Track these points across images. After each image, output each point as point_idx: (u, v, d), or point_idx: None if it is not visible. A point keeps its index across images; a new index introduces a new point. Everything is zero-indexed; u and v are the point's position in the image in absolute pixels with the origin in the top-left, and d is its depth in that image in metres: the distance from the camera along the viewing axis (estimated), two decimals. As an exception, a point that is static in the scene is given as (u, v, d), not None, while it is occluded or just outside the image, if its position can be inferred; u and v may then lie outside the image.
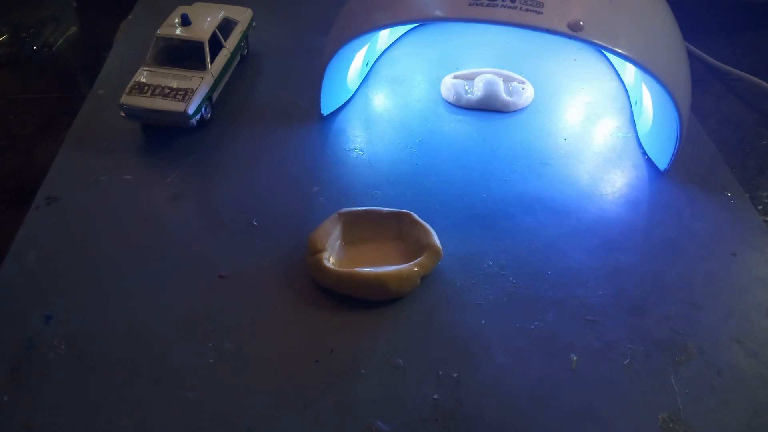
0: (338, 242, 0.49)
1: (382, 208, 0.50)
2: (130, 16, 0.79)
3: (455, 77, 0.68)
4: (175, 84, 0.59)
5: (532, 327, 0.45)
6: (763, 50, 0.78)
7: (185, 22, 0.62)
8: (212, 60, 0.61)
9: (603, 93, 0.68)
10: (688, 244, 0.52)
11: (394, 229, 0.49)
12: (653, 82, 0.51)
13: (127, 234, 0.51)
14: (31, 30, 0.78)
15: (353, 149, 0.60)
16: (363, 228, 0.49)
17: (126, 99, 0.58)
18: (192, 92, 0.58)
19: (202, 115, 0.60)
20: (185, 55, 0.61)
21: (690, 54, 0.67)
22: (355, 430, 0.39)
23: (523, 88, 0.66)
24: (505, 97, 0.64)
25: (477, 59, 0.72)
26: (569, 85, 0.69)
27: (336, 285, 0.46)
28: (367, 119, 0.64)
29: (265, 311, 0.46)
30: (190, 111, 0.58)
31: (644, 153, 0.61)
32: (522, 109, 0.65)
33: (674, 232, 0.53)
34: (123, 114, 0.59)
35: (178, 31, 0.61)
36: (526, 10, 0.48)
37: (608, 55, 0.73)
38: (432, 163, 0.59)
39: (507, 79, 0.67)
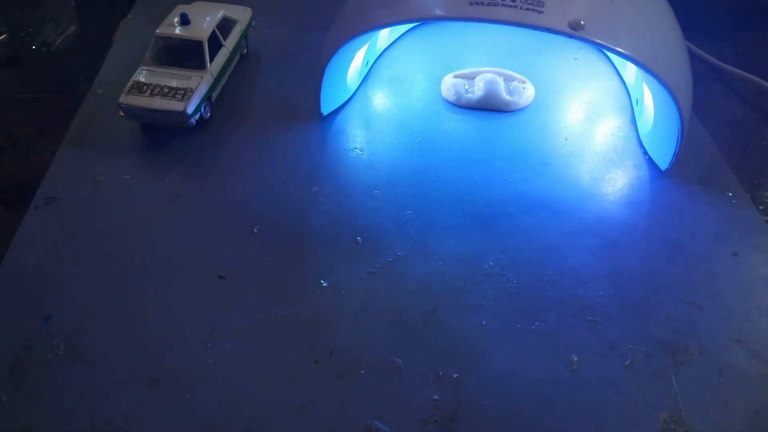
0: None
1: None
2: (129, 16, 0.79)
3: (456, 76, 0.67)
4: (174, 83, 0.59)
5: (533, 327, 0.45)
6: (764, 50, 0.78)
7: (184, 21, 0.62)
8: (211, 59, 0.61)
9: (604, 92, 0.68)
10: (689, 244, 0.52)
11: None
12: (654, 82, 0.51)
13: (126, 234, 0.51)
14: (30, 29, 0.78)
15: (353, 149, 0.60)
16: None
17: (125, 98, 0.58)
18: (191, 92, 0.58)
19: (201, 115, 0.60)
20: (184, 54, 0.61)
21: (691, 53, 0.67)
22: (354, 430, 0.39)
23: (523, 88, 0.66)
24: (505, 96, 0.64)
25: (477, 58, 0.72)
26: (570, 84, 0.69)
27: None
28: (367, 119, 0.64)
29: (265, 311, 0.46)
30: (189, 110, 0.57)
31: (645, 153, 0.60)
32: (523, 109, 0.65)
33: (675, 232, 0.53)
34: (122, 113, 0.59)
35: (177, 31, 0.61)
36: (527, 9, 0.48)
37: (609, 54, 0.73)
38: (432, 162, 0.58)
39: (507, 79, 0.67)
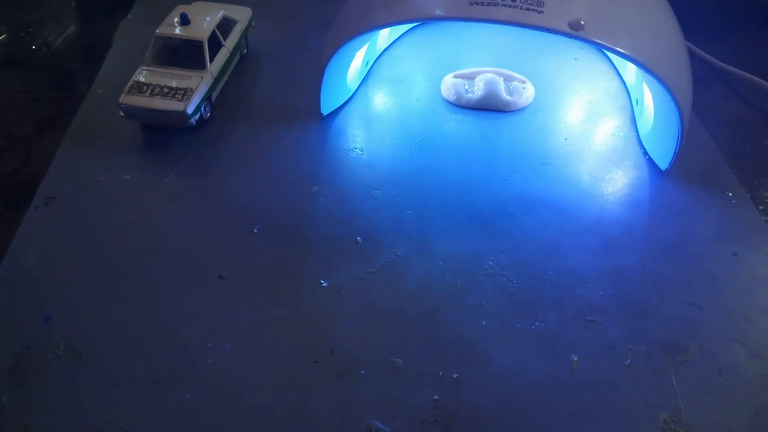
0: None
1: None
2: (129, 16, 0.79)
3: (456, 76, 0.67)
4: (174, 83, 0.59)
5: (533, 327, 0.45)
6: (764, 50, 0.78)
7: (184, 21, 0.62)
8: (211, 59, 0.61)
9: (604, 92, 0.68)
10: (689, 244, 0.52)
11: None
12: (654, 82, 0.51)
13: (126, 234, 0.51)
14: (30, 29, 0.78)
15: (353, 149, 0.60)
16: None
17: (125, 98, 0.58)
18: (191, 92, 0.58)
19: (201, 115, 0.60)
20: (184, 54, 0.61)
21: (691, 53, 0.67)
22: (354, 430, 0.39)
23: (523, 88, 0.66)
24: (505, 96, 0.64)
25: (477, 58, 0.72)
26: (570, 84, 0.69)
27: None
28: (367, 119, 0.64)
29: (265, 311, 0.46)
30: (190, 110, 0.57)
31: (645, 153, 0.60)
32: (523, 109, 0.65)
33: (675, 232, 0.53)
34: (122, 113, 0.59)
35: (177, 31, 0.61)
36: (527, 9, 0.48)
37: (609, 54, 0.73)
38: (432, 163, 0.58)
39: (507, 79, 0.67)
